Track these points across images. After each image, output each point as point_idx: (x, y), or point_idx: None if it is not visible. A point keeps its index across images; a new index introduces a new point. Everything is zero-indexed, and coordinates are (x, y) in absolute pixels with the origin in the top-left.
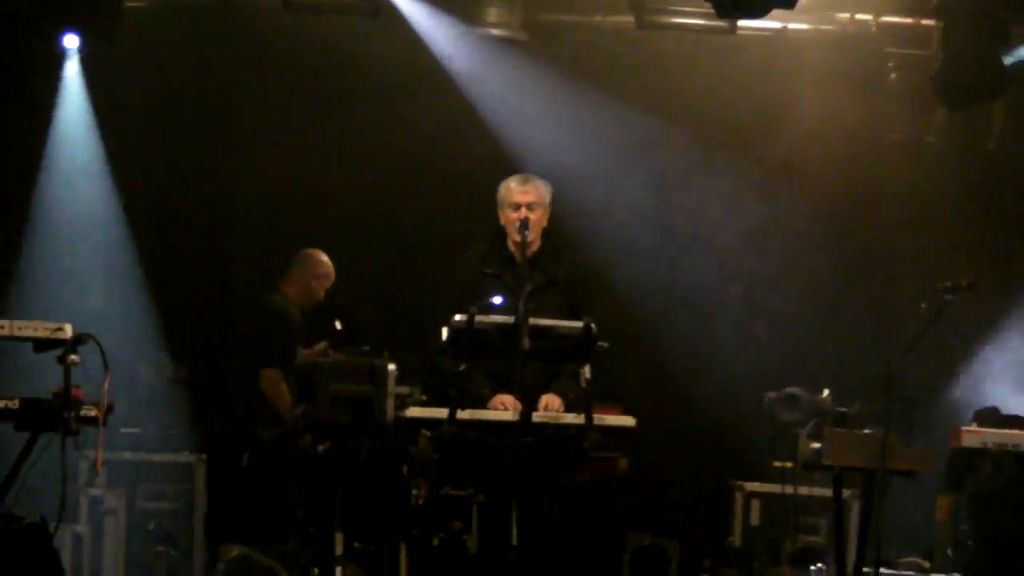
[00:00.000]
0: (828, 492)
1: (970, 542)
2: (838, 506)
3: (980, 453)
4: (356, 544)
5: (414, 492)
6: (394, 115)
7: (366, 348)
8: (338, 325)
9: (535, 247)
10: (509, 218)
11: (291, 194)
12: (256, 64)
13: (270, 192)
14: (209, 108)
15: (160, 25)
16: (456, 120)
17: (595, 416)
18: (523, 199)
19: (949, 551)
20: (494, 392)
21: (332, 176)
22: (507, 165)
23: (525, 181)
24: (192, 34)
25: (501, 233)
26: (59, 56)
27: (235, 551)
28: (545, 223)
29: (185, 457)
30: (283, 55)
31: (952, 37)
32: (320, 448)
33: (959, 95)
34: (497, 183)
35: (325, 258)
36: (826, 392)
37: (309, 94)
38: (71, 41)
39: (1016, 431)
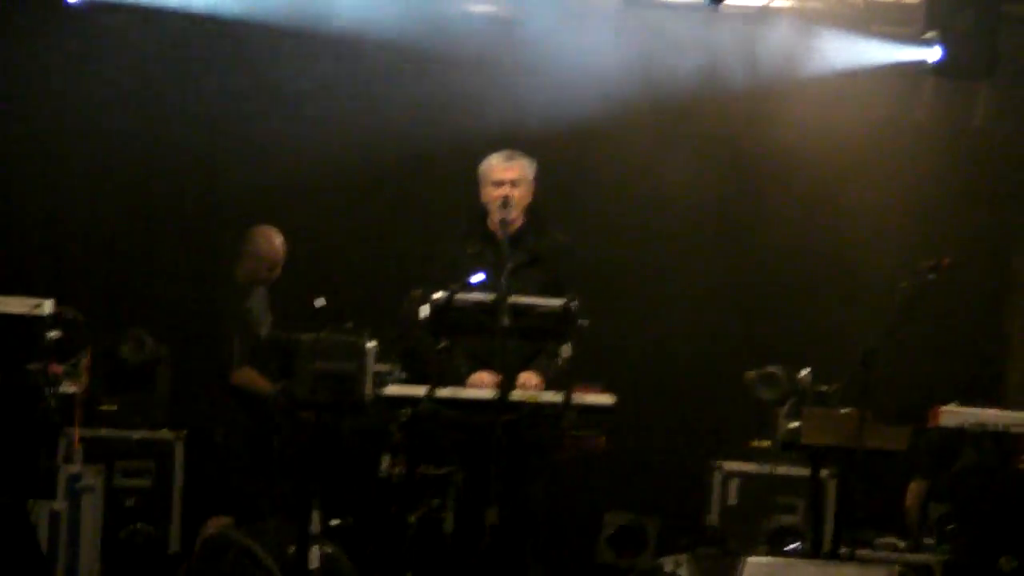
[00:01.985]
0: (806, 472)
1: (950, 525)
2: (815, 485)
3: (955, 435)
4: (332, 521)
5: (394, 471)
6: (379, 92)
7: (348, 325)
8: (320, 302)
9: (517, 224)
10: (491, 195)
11: (274, 170)
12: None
13: (254, 169)
14: (194, 88)
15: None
16: (441, 97)
17: (574, 394)
18: (506, 176)
19: (927, 539)
20: (473, 370)
21: (316, 154)
22: (492, 142)
23: (509, 158)
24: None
25: (483, 210)
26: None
27: (212, 529)
28: (529, 200)
29: (163, 434)
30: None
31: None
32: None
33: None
34: (480, 160)
35: (267, 237)
36: (805, 371)
37: (295, 73)
38: None
39: (994, 411)
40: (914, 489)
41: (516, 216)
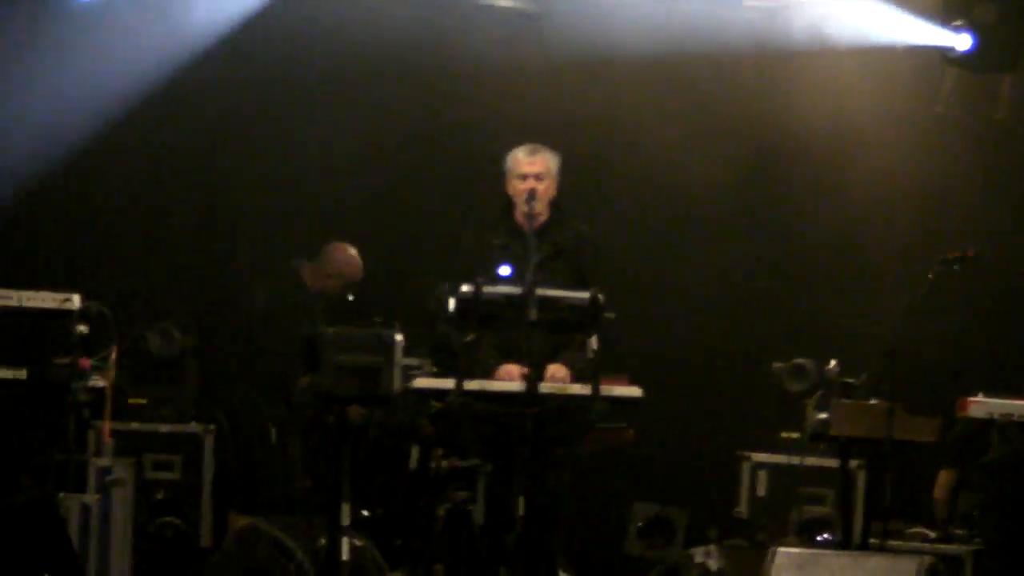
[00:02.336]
0: (835, 463)
1: (976, 512)
2: (845, 476)
3: (984, 425)
4: (364, 512)
5: (441, 464)
6: (404, 87)
7: (377, 319)
8: (350, 297)
9: (543, 218)
10: (516, 189)
11: (298, 165)
12: (262, 38)
13: (276, 164)
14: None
15: None
16: (464, 92)
17: (602, 386)
18: (530, 170)
19: (956, 530)
20: (500, 363)
21: (341, 147)
22: (515, 138)
23: (533, 152)
24: None
25: (509, 204)
26: None
27: (243, 521)
28: (553, 193)
29: (193, 427)
30: (286, 29)
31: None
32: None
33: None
34: (506, 155)
35: (344, 255)
36: (833, 362)
37: (316, 68)
38: None
39: (1022, 401)
40: (943, 479)
41: (541, 209)
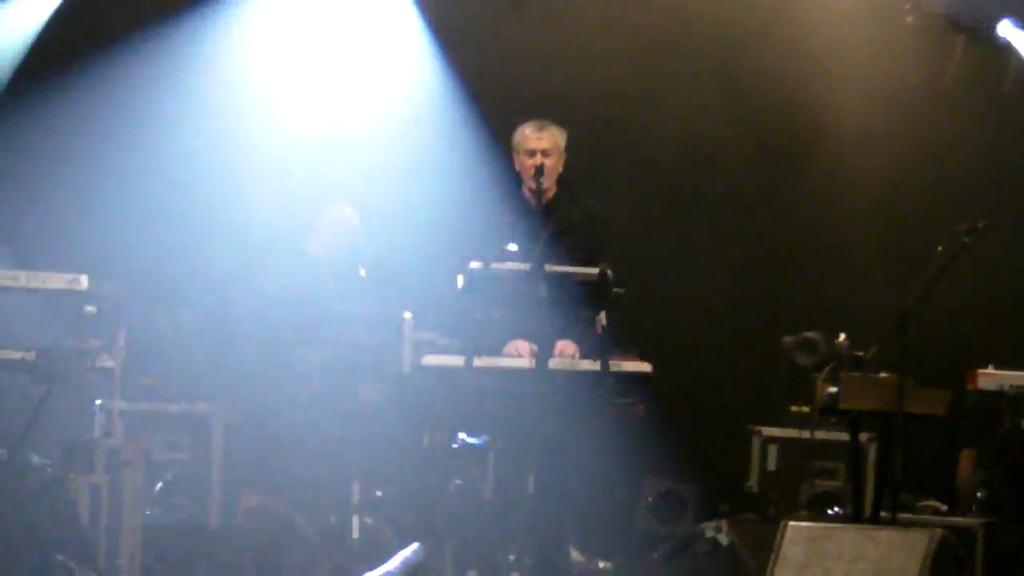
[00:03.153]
0: (845, 436)
1: (995, 486)
2: (855, 450)
3: (995, 399)
4: (378, 492)
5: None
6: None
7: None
8: (362, 273)
9: (551, 194)
10: (524, 164)
11: (307, 139)
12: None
13: (285, 137)
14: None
15: None
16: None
17: (611, 362)
18: (538, 145)
19: (974, 507)
20: (510, 339)
21: (350, 122)
22: (522, 111)
23: (540, 128)
24: None
25: (517, 180)
26: None
27: (253, 500)
28: (560, 169)
29: (201, 407)
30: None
31: None
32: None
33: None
34: (512, 129)
35: (343, 212)
36: (843, 336)
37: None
38: None
39: None
40: (965, 461)
41: (549, 185)
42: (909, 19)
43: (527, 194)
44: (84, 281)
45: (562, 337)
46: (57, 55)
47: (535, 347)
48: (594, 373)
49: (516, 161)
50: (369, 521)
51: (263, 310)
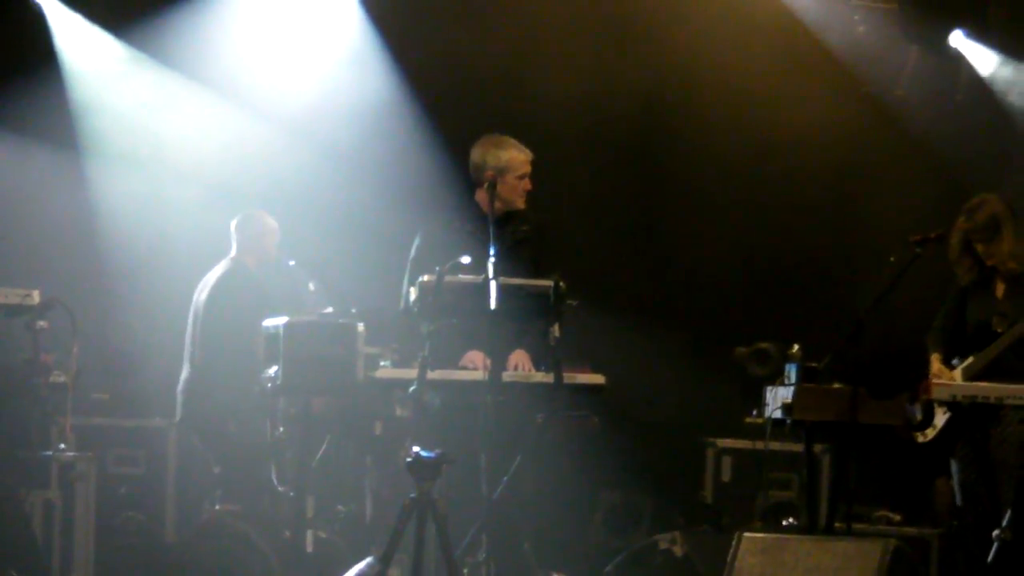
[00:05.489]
0: (799, 447)
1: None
2: (809, 461)
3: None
4: (340, 507)
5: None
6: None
7: (353, 310)
8: (312, 287)
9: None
10: (515, 187)
11: (245, 156)
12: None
13: (222, 153)
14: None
15: None
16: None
17: (565, 374)
18: (528, 168)
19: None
20: (464, 351)
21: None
22: (490, 124)
23: (524, 150)
24: None
25: (470, 189)
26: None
27: (207, 515)
28: None
29: (155, 422)
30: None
31: None
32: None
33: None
34: (469, 143)
35: (264, 216)
36: (796, 347)
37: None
38: None
39: (983, 384)
40: (942, 487)
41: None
42: (861, 29)
43: (484, 206)
44: (36, 296)
45: (516, 349)
46: None
47: (488, 360)
48: (548, 385)
49: (502, 181)
50: (323, 535)
51: (219, 323)
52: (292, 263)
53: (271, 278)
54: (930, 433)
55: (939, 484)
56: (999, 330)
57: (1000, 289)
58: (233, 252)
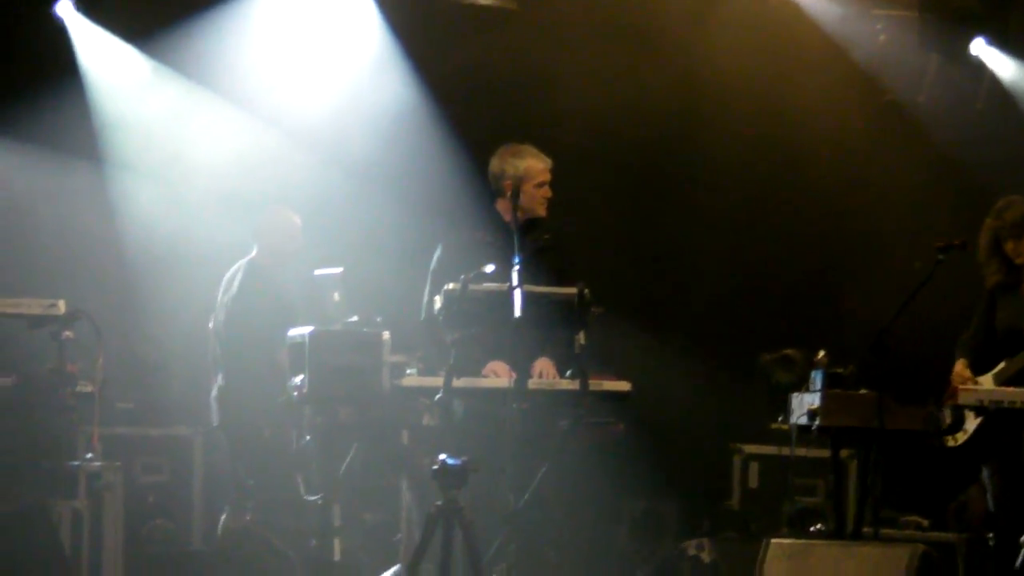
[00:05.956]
0: (826, 453)
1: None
2: (836, 467)
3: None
4: (367, 516)
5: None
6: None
7: (379, 319)
8: (336, 297)
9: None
10: (535, 195)
11: (267, 167)
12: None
13: (244, 164)
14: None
15: None
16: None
17: (591, 382)
18: (548, 176)
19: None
20: (488, 359)
21: (318, 148)
22: (511, 133)
23: (543, 158)
24: None
25: (491, 197)
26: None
27: (234, 524)
28: None
29: (181, 430)
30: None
31: None
32: None
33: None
34: (490, 153)
35: (285, 211)
36: (822, 353)
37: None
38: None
39: (1012, 388)
40: (976, 493)
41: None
42: (882, 38)
43: (505, 215)
44: (62, 306)
45: (540, 356)
46: None
47: (512, 368)
48: (573, 392)
49: (522, 192)
50: (350, 543)
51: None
52: (337, 298)
53: (291, 282)
54: (960, 438)
55: (972, 491)
56: None
57: None
58: (253, 252)
